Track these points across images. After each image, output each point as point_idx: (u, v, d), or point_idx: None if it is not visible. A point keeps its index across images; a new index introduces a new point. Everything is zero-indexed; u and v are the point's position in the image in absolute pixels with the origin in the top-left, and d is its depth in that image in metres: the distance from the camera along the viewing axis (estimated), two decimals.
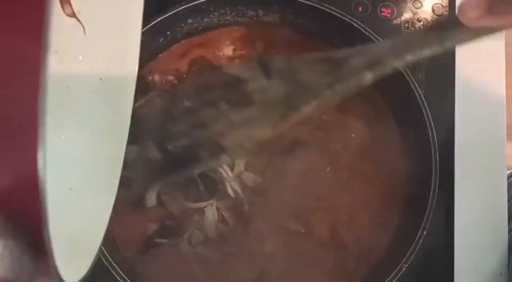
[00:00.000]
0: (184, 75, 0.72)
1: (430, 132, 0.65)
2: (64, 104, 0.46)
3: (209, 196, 0.66)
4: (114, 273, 0.58)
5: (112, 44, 0.54)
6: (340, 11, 0.70)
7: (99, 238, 0.48)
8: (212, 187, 0.66)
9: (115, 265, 0.58)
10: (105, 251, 0.59)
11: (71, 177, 0.46)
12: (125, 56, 0.54)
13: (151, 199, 0.66)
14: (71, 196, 0.46)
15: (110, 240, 0.62)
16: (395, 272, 0.60)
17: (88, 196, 0.49)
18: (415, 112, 0.67)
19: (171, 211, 0.66)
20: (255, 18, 0.75)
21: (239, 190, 0.66)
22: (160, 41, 0.72)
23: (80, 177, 0.48)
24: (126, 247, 0.64)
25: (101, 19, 0.52)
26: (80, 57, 0.51)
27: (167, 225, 0.65)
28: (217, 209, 0.66)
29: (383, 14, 0.80)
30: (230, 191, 0.66)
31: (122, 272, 0.58)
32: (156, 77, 0.72)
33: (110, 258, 0.58)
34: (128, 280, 0.58)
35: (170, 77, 0.72)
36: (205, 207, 0.66)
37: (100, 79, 0.52)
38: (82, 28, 0.51)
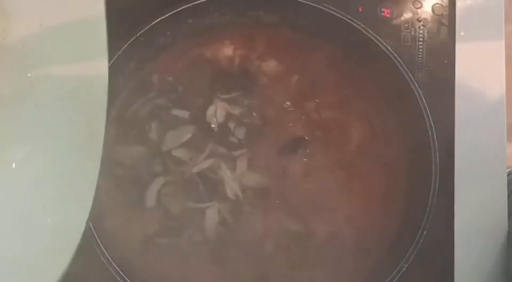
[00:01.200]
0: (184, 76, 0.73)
1: (430, 132, 0.65)
2: (33, 118, 0.45)
3: (209, 197, 0.66)
4: (114, 273, 0.58)
5: (78, 54, 0.53)
6: (340, 11, 0.70)
7: (69, 253, 0.48)
8: (212, 187, 0.66)
9: (115, 265, 0.58)
10: (105, 251, 0.59)
11: (41, 192, 0.45)
12: (94, 67, 0.54)
13: (150, 200, 0.66)
14: (41, 212, 0.45)
15: (110, 240, 0.62)
16: (395, 272, 0.60)
17: (59, 212, 0.48)
18: (415, 112, 0.67)
19: (170, 211, 0.66)
20: (255, 18, 0.75)
21: (238, 192, 0.66)
22: (161, 41, 0.72)
23: (50, 192, 0.47)
24: (126, 247, 0.64)
25: (64, 30, 0.52)
26: (47, 68, 0.51)
27: (167, 225, 0.65)
28: (219, 211, 0.66)
29: (383, 14, 0.80)
30: (229, 192, 0.66)
31: (122, 272, 0.58)
32: (155, 78, 0.72)
33: (110, 258, 0.58)
34: (128, 280, 0.58)
35: (169, 78, 0.72)
36: (206, 207, 0.66)
37: (69, 90, 0.52)
38: (47, 38, 0.50)
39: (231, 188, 0.66)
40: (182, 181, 0.67)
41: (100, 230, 0.60)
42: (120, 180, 0.67)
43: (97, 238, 0.59)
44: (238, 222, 0.66)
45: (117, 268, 0.59)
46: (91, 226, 0.59)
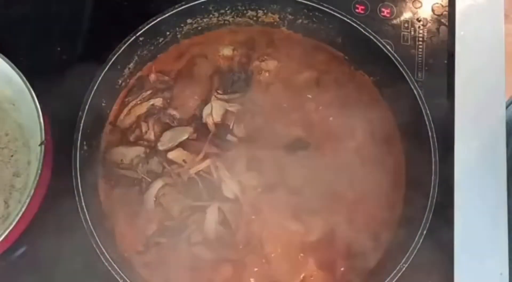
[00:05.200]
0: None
1: (430, 133, 0.65)
2: None
3: (208, 196, 0.66)
4: (114, 273, 0.58)
5: None
6: (340, 11, 0.70)
7: None
8: (211, 186, 0.66)
9: (115, 265, 0.58)
10: (105, 251, 0.58)
11: None
12: None
13: (149, 202, 0.65)
14: None
15: (110, 240, 0.62)
16: (395, 272, 0.60)
17: None
18: (415, 112, 0.67)
19: (169, 212, 0.65)
20: (254, 18, 0.75)
21: (237, 191, 0.66)
22: (160, 41, 0.72)
23: None
24: (126, 247, 0.64)
25: None
26: None
27: (166, 225, 0.65)
28: (219, 210, 0.65)
29: (383, 14, 0.80)
30: (227, 192, 0.66)
31: (122, 272, 0.58)
32: (152, 77, 0.72)
33: (110, 258, 0.58)
34: (128, 280, 0.58)
35: (166, 78, 0.72)
36: (207, 207, 0.65)
37: None
38: None
39: (229, 188, 0.66)
40: (181, 183, 0.66)
41: (100, 230, 0.60)
42: (120, 181, 0.67)
43: (97, 238, 0.59)
44: (238, 221, 0.65)
45: (117, 268, 0.58)
46: (91, 226, 0.59)
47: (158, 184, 0.66)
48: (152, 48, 0.72)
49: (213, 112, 0.69)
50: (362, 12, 0.79)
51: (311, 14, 0.72)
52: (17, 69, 0.65)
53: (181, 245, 0.64)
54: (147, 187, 0.66)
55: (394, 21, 0.80)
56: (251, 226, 0.66)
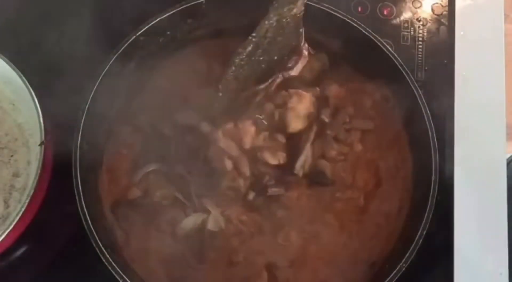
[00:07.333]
0: None
1: (430, 133, 0.65)
2: None
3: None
4: (113, 273, 0.58)
5: None
6: (340, 11, 0.70)
7: None
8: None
9: (115, 265, 0.58)
10: (105, 251, 0.58)
11: None
12: None
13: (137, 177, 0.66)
14: None
15: (110, 240, 0.62)
16: (395, 272, 0.60)
17: None
18: (415, 112, 0.67)
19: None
20: (254, 18, 0.75)
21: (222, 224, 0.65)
22: (160, 41, 0.72)
23: None
24: (126, 247, 0.64)
25: None
26: None
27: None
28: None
29: (382, 14, 0.80)
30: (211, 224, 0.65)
31: (122, 272, 0.58)
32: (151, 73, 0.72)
33: (110, 258, 0.58)
34: (127, 280, 0.58)
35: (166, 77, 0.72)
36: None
37: None
38: None
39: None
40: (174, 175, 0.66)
41: (100, 230, 0.60)
42: (119, 179, 0.67)
43: (97, 238, 0.59)
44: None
45: (117, 268, 0.58)
46: (91, 226, 0.59)
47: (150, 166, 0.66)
48: (153, 48, 0.72)
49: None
50: (362, 12, 0.79)
51: (311, 14, 0.72)
52: (17, 69, 0.65)
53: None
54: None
55: (394, 21, 0.80)
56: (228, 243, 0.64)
